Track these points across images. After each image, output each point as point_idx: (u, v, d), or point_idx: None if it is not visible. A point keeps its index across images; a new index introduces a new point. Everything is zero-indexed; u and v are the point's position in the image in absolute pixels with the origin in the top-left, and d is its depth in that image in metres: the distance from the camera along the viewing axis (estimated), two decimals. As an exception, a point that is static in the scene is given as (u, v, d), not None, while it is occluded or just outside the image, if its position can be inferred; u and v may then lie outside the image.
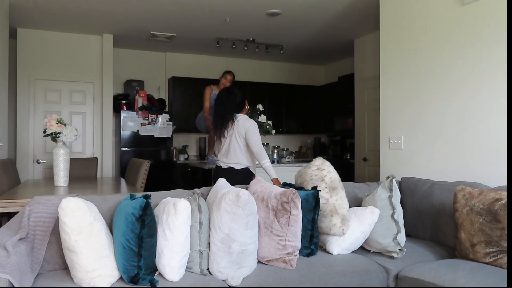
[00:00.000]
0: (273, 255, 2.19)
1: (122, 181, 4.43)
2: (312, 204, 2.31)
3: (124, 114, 5.92)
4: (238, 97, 3.46)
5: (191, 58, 6.99)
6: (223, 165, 3.43)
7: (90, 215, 1.83)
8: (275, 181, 3.22)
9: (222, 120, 3.40)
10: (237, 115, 3.41)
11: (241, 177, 3.29)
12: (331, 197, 2.44)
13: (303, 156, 7.64)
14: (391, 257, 2.38)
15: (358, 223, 2.39)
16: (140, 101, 6.14)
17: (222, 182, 2.45)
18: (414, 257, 2.41)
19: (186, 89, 6.62)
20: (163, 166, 6.14)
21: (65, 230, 1.78)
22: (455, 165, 3.18)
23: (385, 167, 3.84)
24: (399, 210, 2.43)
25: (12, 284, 1.56)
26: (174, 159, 6.39)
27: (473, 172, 3.03)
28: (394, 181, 2.45)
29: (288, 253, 2.17)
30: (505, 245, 2.13)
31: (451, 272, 2.07)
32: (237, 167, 3.35)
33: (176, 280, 1.94)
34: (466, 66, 3.10)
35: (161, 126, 6.10)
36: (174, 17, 5.03)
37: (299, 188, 2.44)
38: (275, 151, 5.30)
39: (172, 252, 1.93)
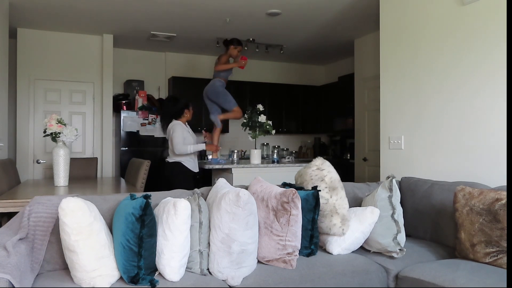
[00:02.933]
0: (273, 255, 2.19)
1: (122, 181, 4.43)
2: (312, 204, 2.31)
3: (124, 114, 5.92)
4: (178, 106, 4.19)
5: (191, 58, 6.98)
6: (166, 159, 4.31)
7: (90, 215, 1.83)
8: (210, 147, 4.33)
9: (163, 123, 4.27)
10: (173, 121, 4.16)
11: (172, 168, 4.16)
12: (331, 197, 2.44)
13: (303, 156, 7.64)
14: (391, 257, 2.38)
15: (358, 223, 2.39)
16: (140, 101, 6.14)
17: (222, 182, 2.45)
18: (414, 257, 2.41)
19: (186, 89, 6.61)
20: (163, 166, 6.13)
21: (65, 230, 1.78)
22: (455, 165, 3.18)
23: (385, 167, 3.84)
24: (399, 210, 2.43)
25: (12, 284, 1.56)
26: (174, 159, 6.39)
27: (473, 172, 3.03)
28: (394, 181, 2.45)
29: (288, 253, 2.17)
30: (505, 245, 2.13)
31: (451, 272, 2.07)
32: (170, 160, 4.22)
33: (176, 280, 1.95)
34: (466, 66, 3.10)
35: (161, 126, 6.10)
36: (174, 17, 5.03)
37: (299, 188, 2.44)
38: (275, 151, 5.30)
39: (172, 252, 1.93)
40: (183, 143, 4.05)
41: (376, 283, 2.25)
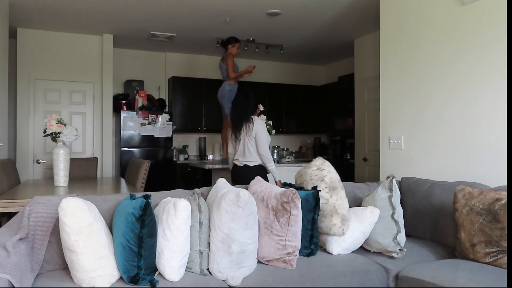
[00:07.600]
0: (273, 255, 2.19)
1: (122, 181, 4.43)
2: (312, 204, 2.31)
3: (124, 114, 5.92)
4: (253, 100, 3.77)
5: (191, 58, 6.99)
6: (239, 163, 3.72)
7: (90, 215, 1.83)
8: (279, 183, 3.60)
9: (240, 122, 3.69)
10: (253, 117, 3.69)
11: (256, 172, 3.61)
12: (331, 197, 2.44)
13: (303, 156, 7.64)
14: (391, 257, 2.38)
15: (358, 223, 2.39)
16: (140, 101, 6.14)
17: (222, 182, 2.45)
18: (414, 257, 2.41)
19: (186, 89, 6.62)
20: (163, 166, 6.14)
21: (65, 230, 1.78)
22: (455, 165, 3.18)
23: (385, 167, 3.84)
24: (399, 210, 2.43)
25: (12, 284, 1.56)
26: (174, 159, 6.39)
27: (473, 172, 3.03)
28: (394, 181, 2.45)
29: (288, 253, 2.17)
30: (505, 245, 2.13)
31: (451, 272, 2.07)
32: (251, 164, 3.65)
33: (176, 280, 1.95)
34: (466, 66, 3.10)
35: (161, 126, 6.10)
36: (174, 17, 5.03)
37: (299, 188, 2.44)
38: (275, 151, 5.30)
39: (172, 252, 1.93)
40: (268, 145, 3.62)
41: (376, 283, 2.25)
